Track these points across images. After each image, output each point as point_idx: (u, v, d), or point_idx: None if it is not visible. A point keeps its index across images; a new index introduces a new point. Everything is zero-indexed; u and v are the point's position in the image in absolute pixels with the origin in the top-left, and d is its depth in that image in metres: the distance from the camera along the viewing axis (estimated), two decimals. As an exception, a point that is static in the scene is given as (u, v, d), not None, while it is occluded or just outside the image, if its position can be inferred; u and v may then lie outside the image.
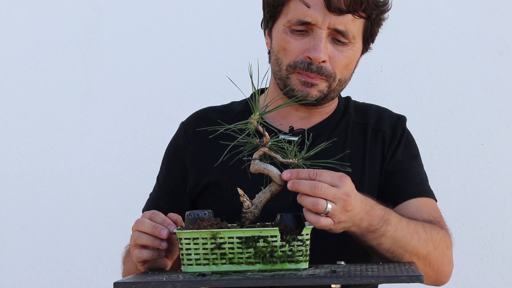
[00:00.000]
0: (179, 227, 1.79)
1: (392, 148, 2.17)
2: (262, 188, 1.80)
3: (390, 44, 3.32)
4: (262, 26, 2.19)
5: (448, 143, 3.32)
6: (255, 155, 1.77)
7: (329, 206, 1.74)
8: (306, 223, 1.75)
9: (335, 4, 2.00)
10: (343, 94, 2.28)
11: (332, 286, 1.61)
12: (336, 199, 1.74)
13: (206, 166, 2.14)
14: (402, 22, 3.32)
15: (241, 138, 1.76)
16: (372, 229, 1.88)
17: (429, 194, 2.16)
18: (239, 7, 3.32)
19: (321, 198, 1.73)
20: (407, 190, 2.12)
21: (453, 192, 3.29)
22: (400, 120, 2.23)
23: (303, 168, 1.77)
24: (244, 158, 1.79)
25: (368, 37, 2.12)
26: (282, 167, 1.80)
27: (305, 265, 1.72)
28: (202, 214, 1.74)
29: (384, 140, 2.17)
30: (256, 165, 1.77)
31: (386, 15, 2.13)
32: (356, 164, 1.98)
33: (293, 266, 1.71)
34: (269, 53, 2.18)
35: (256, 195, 1.79)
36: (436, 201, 2.18)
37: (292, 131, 2.13)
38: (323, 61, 2.03)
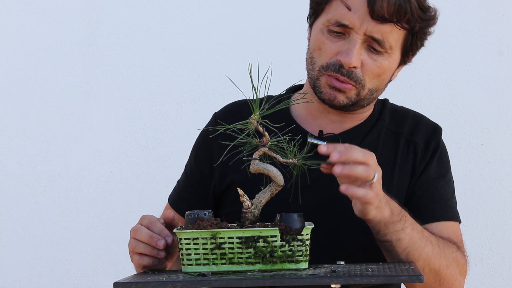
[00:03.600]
0: (179, 227, 1.79)
1: (424, 163, 2.12)
2: (262, 188, 1.80)
3: (390, 44, 3.32)
4: (308, 20, 2.14)
5: (448, 143, 3.31)
6: (255, 155, 1.77)
7: (376, 174, 1.75)
8: (306, 223, 1.75)
9: (378, 12, 1.93)
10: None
11: (332, 286, 1.61)
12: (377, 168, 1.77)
13: (232, 163, 2.02)
14: (402, 22, 3.32)
15: (241, 138, 1.76)
16: (393, 220, 1.86)
17: (453, 217, 2.10)
18: (239, 7, 3.33)
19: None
20: (432, 212, 2.06)
21: (453, 192, 3.29)
22: (435, 131, 2.18)
23: (303, 168, 1.77)
24: (244, 158, 1.79)
25: (408, 50, 2.05)
26: (281, 167, 1.80)
27: (305, 265, 1.72)
28: (202, 214, 1.74)
29: (416, 152, 2.11)
30: (256, 165, 1.77)
31: (432, 29, 2.04)
32: (384, 173, 1.89)
33: (293, 266, 1.71)
34: (308, 48, 2.14)
35: (256, 195, 1.79)
36: (460, 222, 2.13)
37: (321, 135, 2.10)
38: (354, 67, 1.98)
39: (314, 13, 2.07)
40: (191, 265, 1.72)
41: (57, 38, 3.33)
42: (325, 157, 1.80)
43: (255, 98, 1.77)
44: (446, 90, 3.31)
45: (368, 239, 1.96)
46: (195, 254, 1.72)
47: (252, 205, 1.77)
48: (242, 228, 1.73)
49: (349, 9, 1.97)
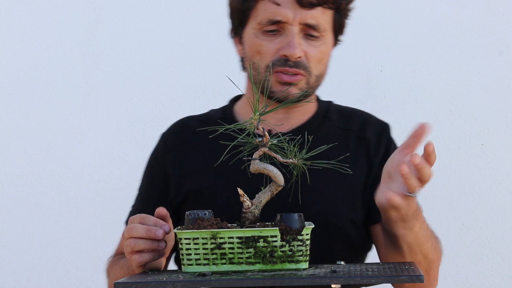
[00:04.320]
0: (179, 227, 1.79)
1: (379, 157, 2.14)
2: (262, 188, 1.80)
3: (390, 44, 3.33)
4: (231, 35, 2.17)
5: (448, 143, 3.32)
6: (255, 155, 1.77)
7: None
8: (306, 223, 1.75)
9: None
10: (325, 98, 2.26)
11: (332, 286, 1.61)
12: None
13: (187, 174, 2.13)
14: (402, 22, 3.33)
15: (241, 138, 1.76)
16: (405, 219, 1.89)
17: None
18: (239, 7, 3.33)
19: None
20: None
21: (453, 192, 3.30)
22: (385, 128, 2.21)
23: (303, 167, 1.77)
24: (244, 158, 1.79)
25: (337, 30, 2.12)
26: (281, 167, 1.80)
27: (305, 265, 1.72)
28: (202, 214, 1.74)
29: (368, 147, 2.14)
30: (256, 165, 1.77)
31: (352, 5, 2.13)
32: (336, 169, 1.95)
33: (293, 266, 1.71)
34: (241, 60, 2.18)
35: (256, 195, 1.79)
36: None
37: (269, 135, 2.11)
38: (299, 57, 2.03)
39: (240, 23, 2.10)
40: (191, 265, 1.72)
41: (57, 38, 3.33)
42: (324, 157, 1.80)
43: (255, 98, 1.77)
44: (446, 90, 3.31)
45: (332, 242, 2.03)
46: (195, 254, 1.72)
47: (252, 205, 1.78)
48: (242, 228, 1.73)
49: (279, 5, 2.02)
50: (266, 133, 1.76)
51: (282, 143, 1.76)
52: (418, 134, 1.91)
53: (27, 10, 3.33)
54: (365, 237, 2.14)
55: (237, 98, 2.24)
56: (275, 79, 2.05)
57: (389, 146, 2.17)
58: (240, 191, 1.78)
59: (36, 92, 3.32)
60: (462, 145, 3.31)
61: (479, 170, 3.30)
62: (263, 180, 1.92)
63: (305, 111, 2.17)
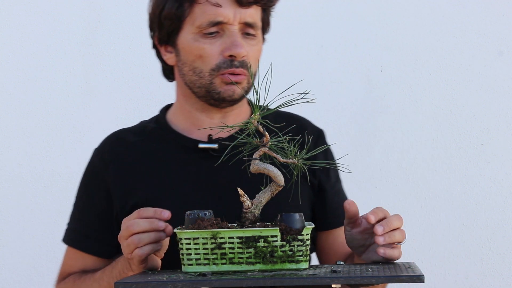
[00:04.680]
0: (179, 227, 1.79)
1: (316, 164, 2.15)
2: (262, 188, 1.80)
3: (390, 44, 3.32)
4: (156, 44, 2.14)
5: (448, 143, 3.32)
6: (255, 155, 1.77)
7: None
8: (306, 223, 1.75)
9: None
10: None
11: (333, 286, 1.61)
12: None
13: (130, 187, 2.10)
14: (402, 22, 3.33)
15: (241, 138, 1.76)
16: None
17: None
18: (239, 7, 3.33)
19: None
20: (338, 217, 2.09)
21: (453, 192, 3.30)
22: (321, 134, 2.22)
23: (303, 167, 1.77)
24: (244, 158, 1.79)
25: (266, 27, 2.14)
26: (281, 167, 1.80)
27: (305, 265, 1.72)
28: (202, 214, 1.74)
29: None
30: (257, 165, 1.77)
31: (275, 4, 2.15)
32: None
33: (293, 266, 1.71)
34: (168, 69, 2.16)
35: (256, 195, 1.79)
36: None
37: (211, 140, 2.11)
38: (243, 56, 2.03)
39: (174, 30, 2.08)
40: (191, 265, 1.72)
41: (57, 38, 3.33)
42: (324, 157, 1.81)
43: (255, 98, 1.77)
44: (446, 90, 3.31)
45: None
46: (195, 254, 1.72)
47: (252, 205, 1.78)
48: (242, 228, 1.73)
49: (220, 6, 2.02)
50: (267, 133, 1.76)
51: (282, 143, 1.76)
52: (352, 208, 1.89)
53: (27, 10, 3.33)
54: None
55: (168, 107, 2.23)
56: (220, 81, 2.04)
57: (326, 152, 2.17)
58: (240, 191, 1.78)
59: (36, 92, 3.32)
60: (462, 145, 3.31)
61: (479, 170, 3.30)
62: (212, 188, 1.95)
63: (240, 114, 2.16)
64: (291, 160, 1.76)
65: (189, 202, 2.02)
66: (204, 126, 2.12)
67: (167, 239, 1.87)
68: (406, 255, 3.39)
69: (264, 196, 1.78)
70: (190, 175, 2.07)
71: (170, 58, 2.13)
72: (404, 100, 3.33)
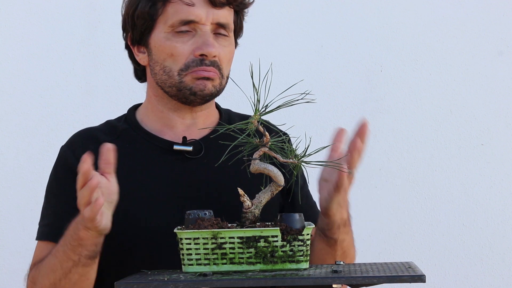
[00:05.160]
0: (179, 227, 1.79)
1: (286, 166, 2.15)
2: (262, 188, 1.80)
3: (390, 44, 3.33)
4: (129, 44, 2.14)
5: (448, 143, 3.32)
6: (255, 155, 1.77)
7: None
8: (306, 223, 1.75)
9: None
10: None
11: (334, 286, 1.61)
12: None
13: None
14: (402, 22, 3.33)
15: (241, 138, 1.76)
16: (346, 223, 1.99)
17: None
18: (239, 7, 3.33)
19: None
20: (309, 218, 2.04)
21: (453, 192, 3.30)
22: (286, 136, 2.21)
23: (303, 167, 1.77)
24: (244, 158, 1.79)
25: (238, 31, 2.15)
26: (281, 166, 1.80)
27: (305, 265, 1.72)
28: (202, 214, 1.74)
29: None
30: (257, 165, 1.77)
31: (248, 8, 2.15)
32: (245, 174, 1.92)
33: (293, 266, 1.71)
34: (142, 70, 2.17)
35: (256, 195, 1.79)
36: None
37: (185, 141, 2.11)
38: (214, 56, 2.04)
39: (147, 29, 2.08)
40: (191, 265, 1.72)
41: (57, 38, 3.33)
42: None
43: (255, 98, 1.77)
44: (446, 90, 3.31)
45: None
46: (196, 254, 1.72)
47: (252, 205, 1.78)
48: (243, 228, 1.73)
49: (193, 5, 2.03)
50: (267, 133, 1.76)
51: (282, 144, 1.77)
52: (338, 138, 1.95)
53: (27, 10, 3.33)
54: None
55: (136, 107, 2.23)
56: (191, 77, 2.04)
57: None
58: (241, 191, 1.78)
59: (36, 92, 3.32)
60: (462, 145, 3.31)
61: (479, 170, 3.30)
62: (188, 189, 1.95)
63: (209, 116, 2.17)
64: (291, 160, 1.76)
65: (165, 203, 2.02)
66: (176, 126, 2.12)
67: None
68: (406, 255, 3.41)
69: (264, 196, 1.79)
70: (165, 177, 2.07)
71: (142, 58, 2.13)
72: (404, 100, 3.33)
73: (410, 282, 1.59)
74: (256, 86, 1.77)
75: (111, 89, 3.33)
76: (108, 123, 2.21)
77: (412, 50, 3.32)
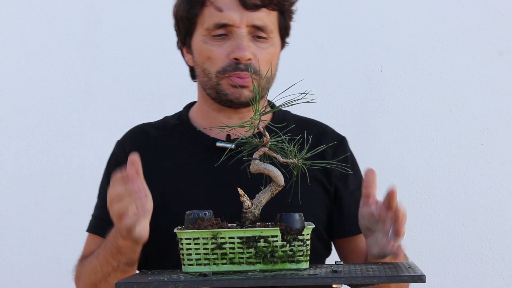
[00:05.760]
0: (179, 227, 1.79)
1: (336, 171, 2.14)
2: (262, 188, 1.80)
3: (390, 44, 3.32)
4: (178, 47, 2.20)
5: (448, 143, 3.32)
6: (255, 155, 1.77)
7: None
8: (306, 223, 1.75)
9: (249, 0, 2.04)
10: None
11: (333, 286, 1.61)
12: None
13: (147, 179, 2.04)
14: (402, 22, 3.32)
15: (241, 138, 1.76)
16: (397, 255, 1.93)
17: None
18: (239, 7, 3.32)
19: None
20: (357, 224, 2.06)
21: (453, 192, 3.29)
22: (342, 141, 2.22)
23: (303, 168, 1.77)
24: (244, 158, 1.79)
25: (284, 32, 2.15)
26: (281, 167, 1.80)
27: (305, 265, 1.72)
28: (202, 214, 1.74)
29: (324, 159, 2.09)
30: (257, 165, 1.77)
31: (295, 7, 2.16)
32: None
33: (293, 266, 1.71)
34: (191, 70, 2.20)
35: (256, 195, 1.79)
36: None
37: (229, 139, 2.13)
38: (249, 59, 2.05)
39: (188, 32, 2.13)
40: (191, 265, 1.72)
41: (57, 38, 3.33)
42: (323, 157, 1.81)
43: (256, 98, 1.77)
44: (446, 90, 3.31)
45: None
46: (195, 254, 1.72)
47: (252, 205, 1.78)
48: (243, 228, 1.73)
49: (221, 11, 2.05)
50: (267, 133, 1.76)
51: (282, 143, 1.76)
52: (370, 180, 1.92)
53: (27, 10, 3.33)
54: (324, 247, 2.16)
55: (191, 105, 2.26)
56: (227, 83, 2.06)
57: (346, 159, 2.17)
58: (241, 191, 1.78)
59: (36, 92, 3.32)
60: (462, 145, 3.31)
61: (479, 170, 3.30)
62: (225, 183, 1.95)
63: (246, 116, 2.15)
64: (291, 160, 1.76)
65: (203, 199, 2.03)
66: (221, 125, 2.13)
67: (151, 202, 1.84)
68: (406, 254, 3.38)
69: (264, 196, 1.79)
70: (205, 173, 2.09)
71: (189, 60, 2.18)
72: (404, 100, 3.33)
73: (410, 282, 1.59)
74: (256, 86, 1.78)
75: (111, 89, 3.33)
76: (164, 119, 2.28)
77: (412, 50, 3.32)
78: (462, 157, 3.30)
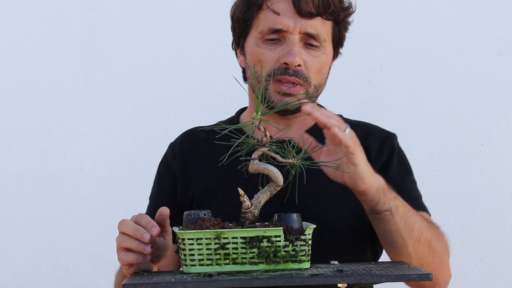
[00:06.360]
0: (179, 227, 1.79)
1: (380, 162, 2.16)
2: (261, 188, 1.80)
3: (390, 44, 3.33)
4: (233, 47, 2.23)
5: (448, 143, 3.32)
6: (254, 155, 1.77)
7: (348, 128, 1.82)
8: (306, 223, 1.75)
9: (304, 8, 2.05)
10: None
11: (339, 285, 1.61)
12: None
13: (191, 179, 2.19)
14: (402, 22, 3.33)
15: (241, 139, 1.76)
16: (387, 187, 1.90)
17: (424, 208, 2.17)
18: (239, 7, 3.33)
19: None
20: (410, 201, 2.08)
21: (453, 192, 3.30)
22: (389, 136, 2.23)
23: (303, 168, 1.77)
24: (242, 158, 1.79)
25: (337, 42, 2.17)
26: (279, 167, 1.80)
27: (307, 264, 1.72)
28: (201, 214, 1.74)
29: (369, 154, 2.11)
30: (256, 165, 1.77)
31: (351, 19, 2.18)
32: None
33: (296, 265, 1.71)
34: (243, 71, 2.22)
35: (255, 195, 1.79)
36: (430, 215, 2.19)
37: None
38: (299, 65, 2.06)
39: (243, 34, 2.15)
40: (194, 265, 1.72)
41: (57, 38, 3.33)
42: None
43: (256, 98, 1.77)
44: (446, 90, 3.32)
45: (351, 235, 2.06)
46: (198, 254, 1.72)
47: (252, 205, 1.78)
48: (242, 228, 1.73)
49: (278, 14, 2.07)
50: (267, 133, 1.76)
51: (282, 145, 1.77)
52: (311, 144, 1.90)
53: (27, 10, 3.33)
54: (369, 243, 2.14)
55: (243, 110, 2.30)
56: (274, 89, 2.08)
57: (392, 153, 2.19)
58: (241, 191, 1.78)
59: (36, 92, 3.32)
60: (462, 145, 3.31)
61: (479, 170, 3.30)
62: (263, 180, 1.94)
63: (306, 121, 2.20)
64: (290, 160, 1.76)
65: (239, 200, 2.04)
66: (268, 129, 2.13)
67: (163, 256, 1.89)
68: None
69: (263, 196, 1.79)
70: (244, 174, 2.09)
71: (241, 61, 2.21)
72: (404, 100, 3.33)
73: (418, 281, 1.60)
74: (257, 86, 1.78)
75: (111, 89, 3.33)
76: (216, 123, 2.28)
77: (412, 50, 3.32)
78: (462, 157, 3.31)
